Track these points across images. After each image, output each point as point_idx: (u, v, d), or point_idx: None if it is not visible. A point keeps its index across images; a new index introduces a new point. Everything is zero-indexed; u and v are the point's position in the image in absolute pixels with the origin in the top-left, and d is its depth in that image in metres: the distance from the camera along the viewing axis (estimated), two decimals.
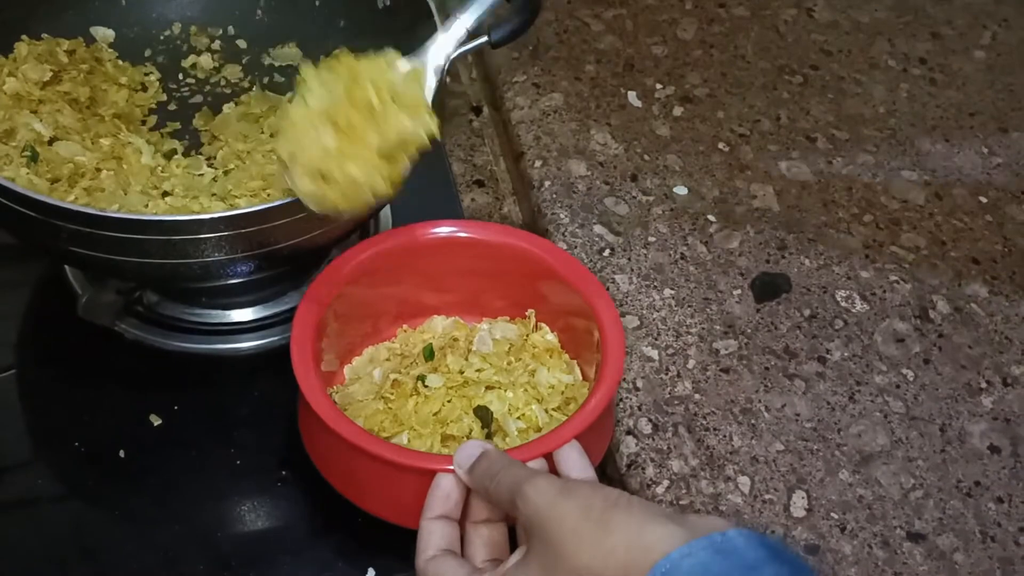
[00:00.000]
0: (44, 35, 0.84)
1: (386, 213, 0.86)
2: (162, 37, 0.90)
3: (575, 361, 0.74)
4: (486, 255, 0.74)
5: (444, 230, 0.74)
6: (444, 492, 0.61)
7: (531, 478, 0.56)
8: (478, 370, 0.71)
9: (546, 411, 0.70)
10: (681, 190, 0.87)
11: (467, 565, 0.59)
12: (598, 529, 0.52)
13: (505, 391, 0.70)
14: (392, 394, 0.70)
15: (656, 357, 0.76)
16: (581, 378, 0.73)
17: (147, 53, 0.89)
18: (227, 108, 0.86)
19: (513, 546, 0.60)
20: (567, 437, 0.63)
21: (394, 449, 0.63)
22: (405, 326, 0.77)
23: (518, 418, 0.69)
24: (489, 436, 0.69)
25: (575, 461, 0.62)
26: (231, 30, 0.91)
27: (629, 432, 0.72)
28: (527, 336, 0.74)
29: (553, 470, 0.62)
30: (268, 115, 0.85)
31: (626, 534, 0.51)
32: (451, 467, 0.61)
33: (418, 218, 0.86)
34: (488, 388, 0.70)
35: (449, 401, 0.70)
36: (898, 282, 0.82)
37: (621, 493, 0.54)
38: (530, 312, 0.75)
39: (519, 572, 0.55)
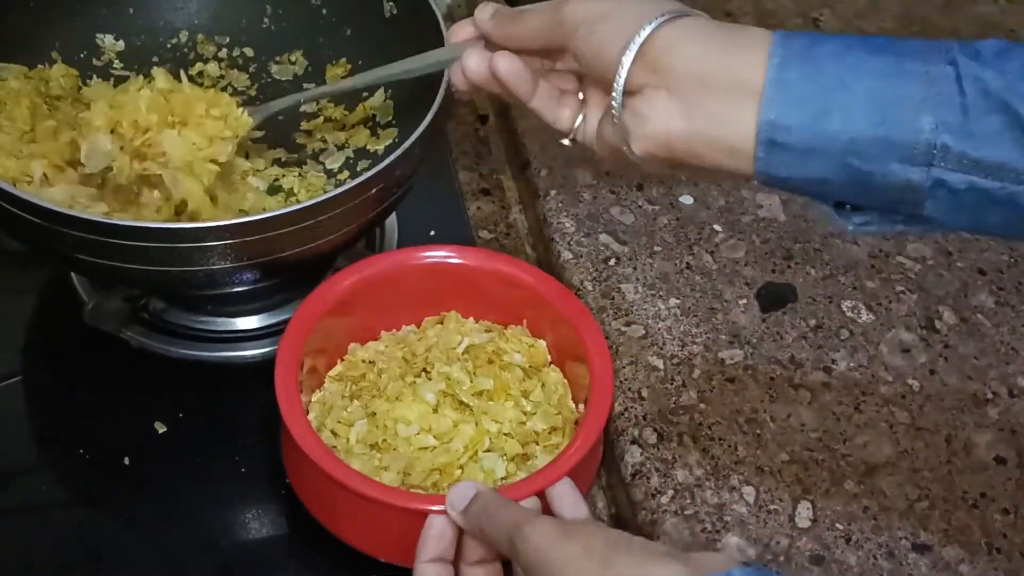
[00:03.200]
0: (54, 54, 0.84)
1: (392, 222, 0.86)
2: (169, 45, 0.90)
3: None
4: (479, 281, 0.75)
5: (438, 254, 0.75)
6: (437, 533, 0.60)
7: (530, 520, 0.55)
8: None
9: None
10: (687, 200, 0.87)
11: None
12: (602, 569, 0.51)
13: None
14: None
15: (661, 367, 0.76)
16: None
17: (154, 60, 0.89)
18: None
19: None
20: (559, 475, 0.63)
21: (384, 489, 0.63)
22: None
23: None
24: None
25: (568, 498, 0.62)
26: (238, 38, 0.91)
27: (634, 442, 0.72)
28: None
29: (545, 507, 0.62)
30: None
31: (630, 574, 0.51)
32: (443, 508, 0.60)
33: (425, 226, 0.87)
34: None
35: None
36: (904, 292, 0.82)
37: (622, 533, 0.54)
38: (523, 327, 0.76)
39: None
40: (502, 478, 0.68)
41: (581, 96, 0.65)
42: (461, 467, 0.67)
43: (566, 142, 0.65)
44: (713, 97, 0.55)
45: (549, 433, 0.70)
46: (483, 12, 0.63)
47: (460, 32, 0.68)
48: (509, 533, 0.55)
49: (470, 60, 0.64)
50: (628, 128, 0.58)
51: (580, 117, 0.64)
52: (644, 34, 0.56)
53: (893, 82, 0.51)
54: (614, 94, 0.57)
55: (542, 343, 0.75)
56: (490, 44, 0.65)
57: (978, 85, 0.50)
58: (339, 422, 0.69)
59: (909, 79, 0.51)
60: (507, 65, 0.63)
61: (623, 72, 0.57)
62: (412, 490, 0.66)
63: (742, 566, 0.50)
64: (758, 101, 0.53)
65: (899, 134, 0.51)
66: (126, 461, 0.73)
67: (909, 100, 0.51)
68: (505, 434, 0.69)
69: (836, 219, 0.57)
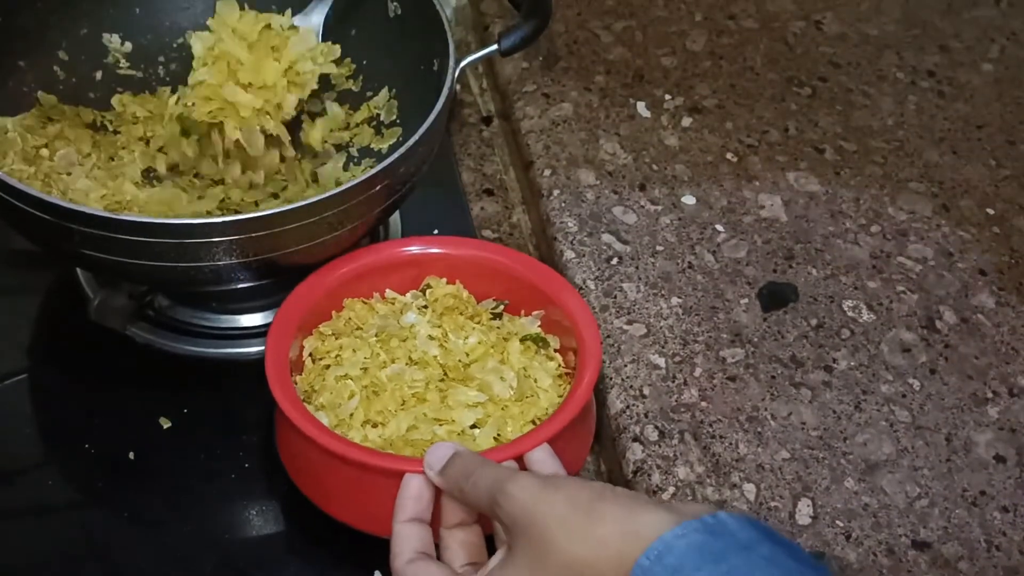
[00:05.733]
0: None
1: (396, 220, 0.87)
2: (175, 45, 0.91)
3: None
4: (467, 270, 0.76)
5: (415, 248, 0.76)
6: (414, 493, 0.60)
7: (512, 476, 0.56)
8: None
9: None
10: (689, 200, 0.88)
11: (447, 568, 0.59)
12: (588, 519, 0.51)
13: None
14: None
15: (663, 365, 0.77)
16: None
17: (160, 60, 0.89)
18: None
19: (490, 551, 0.60)
20: (538, 441, 0.64)
21: (361, 450, 0.64)
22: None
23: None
24: None
25: (547, 464, 0.62)
26: None
27: (635, 439, 0.72)
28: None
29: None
30: None
31: (617, 522, 0.51)
32: (420, 468, 0.61)
33: (428, 225, 0.88)
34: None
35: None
36: (905, 292, 0.82)
37: (605, 485, 0.54)
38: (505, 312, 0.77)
39: (505, 571, 0.55)
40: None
41: None
42: (454, 432, 0.68)
43: None
44: None
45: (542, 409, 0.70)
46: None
47: None
48: (491, 491, 0.56)
49: None
50: None
51: None
52: None
53: None
54: None
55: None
56: None
57: None
58: (330, 393, 0.70)
59: None
60: None
61: None
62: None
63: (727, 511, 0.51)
64: None
65: None
66: (131, 456, 0.74)
67: None
68: (493, 406, 0.69)
69: None
